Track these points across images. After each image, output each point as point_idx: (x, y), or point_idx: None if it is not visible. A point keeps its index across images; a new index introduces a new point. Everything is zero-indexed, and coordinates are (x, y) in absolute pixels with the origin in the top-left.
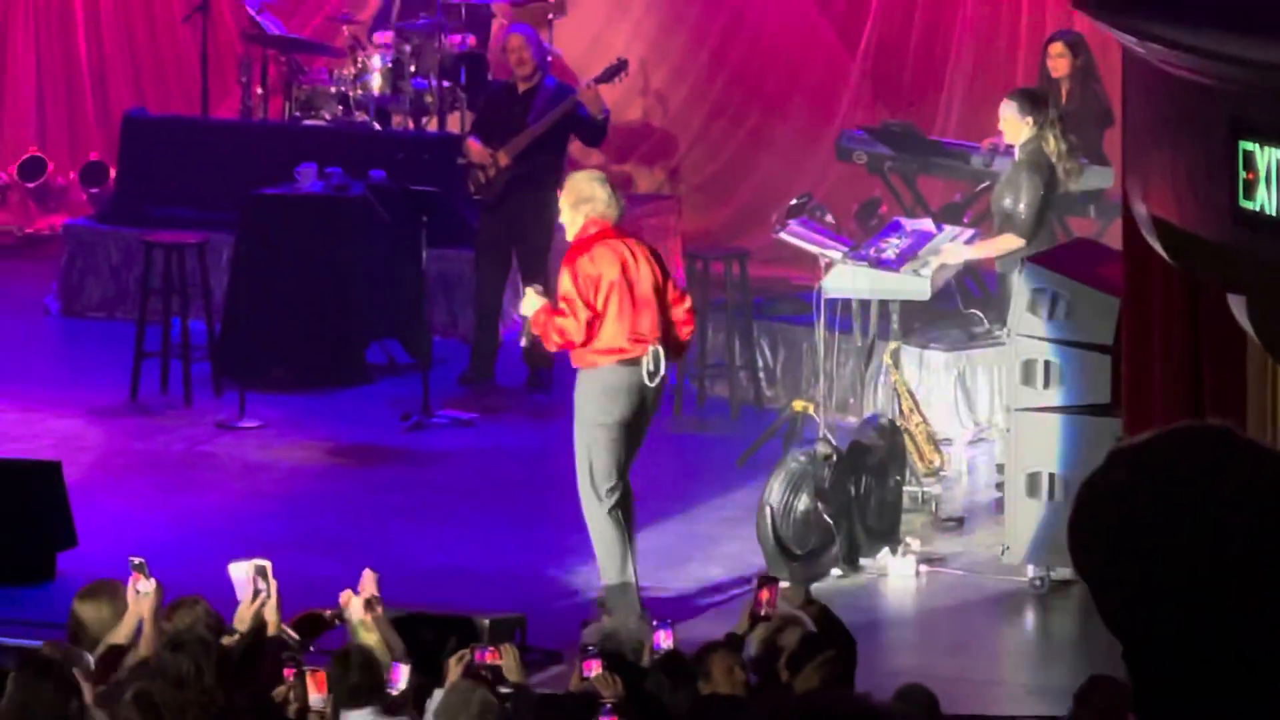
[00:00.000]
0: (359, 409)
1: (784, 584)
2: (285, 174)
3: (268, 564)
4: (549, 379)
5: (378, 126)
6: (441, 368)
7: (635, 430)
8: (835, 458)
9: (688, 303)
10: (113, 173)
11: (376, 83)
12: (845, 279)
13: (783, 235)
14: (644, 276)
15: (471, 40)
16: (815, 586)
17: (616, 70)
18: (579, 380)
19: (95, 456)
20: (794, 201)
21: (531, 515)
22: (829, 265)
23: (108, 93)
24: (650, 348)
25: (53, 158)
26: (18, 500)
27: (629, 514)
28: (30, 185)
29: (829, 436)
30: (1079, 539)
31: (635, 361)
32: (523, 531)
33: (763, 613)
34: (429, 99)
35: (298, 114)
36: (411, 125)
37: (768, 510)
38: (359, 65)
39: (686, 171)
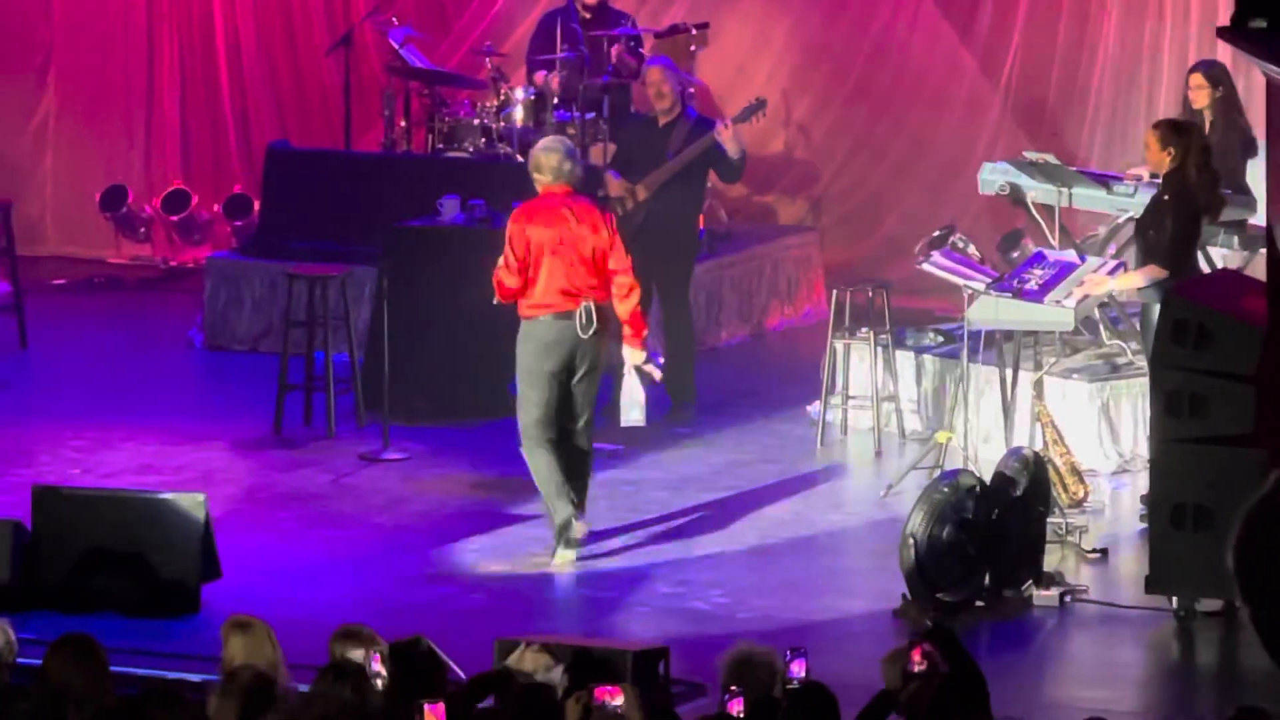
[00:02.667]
0: (501, 441)
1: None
2: (428, 206)
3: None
4: (691, 411)
5: (520, 159)
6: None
7: (569, 379)
8: (979, 489)
9: (626, 277)
10: (256, 205)
11: (519, 115)
12: (989, 310)
13: (926, 266)
14: (584, 238)
15: (633, 60)
16: (959, 617)
17: (755, 109)
18: (520, 331)
19: (239, 489)
20: (937, 233)
21: (674, 546)
22: (972, 296)
23: (251, 126)
24: (583, 303)
25: (196, 191)
26: (162, 533)
27: (577, 457)
28: (174, 218)
29: (973, 468)
30: (1247, 562)
31: (568, 315)
32: (666, 562)
33: (915, 670)
34: (572, 131)
35: (440, 146)
36: None
37: (911, 541)
38: (502, 98)
39: (829, 203)
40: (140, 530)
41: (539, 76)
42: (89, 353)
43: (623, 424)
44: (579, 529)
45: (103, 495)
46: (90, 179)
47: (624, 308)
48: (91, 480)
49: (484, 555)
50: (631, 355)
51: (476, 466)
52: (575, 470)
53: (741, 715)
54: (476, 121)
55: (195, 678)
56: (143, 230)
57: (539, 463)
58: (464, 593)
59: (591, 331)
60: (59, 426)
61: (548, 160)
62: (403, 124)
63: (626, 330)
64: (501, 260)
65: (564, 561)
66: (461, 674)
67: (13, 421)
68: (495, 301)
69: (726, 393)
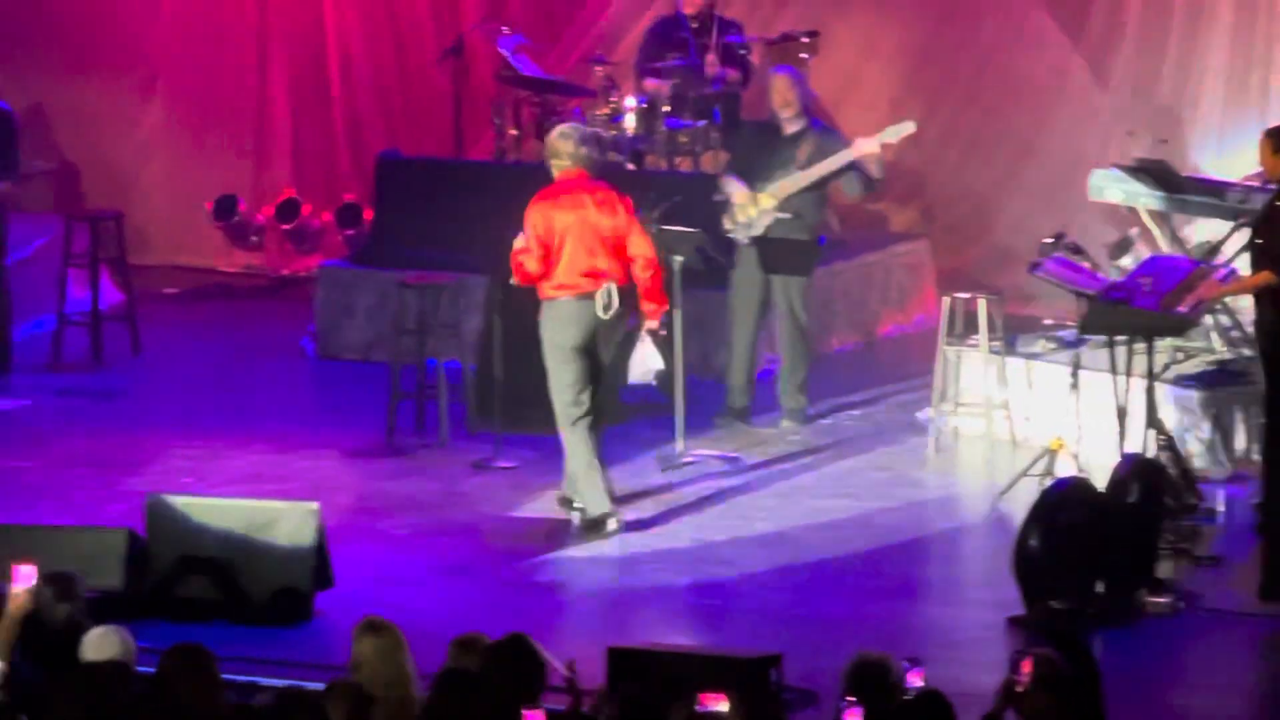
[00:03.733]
0: (613, 449)
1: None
2: None
3: None
4: (804, 417)
5: (631, 167)
6: (695, 407)
7: (592, 356)
8: (1091, 496)
9: (646, 255)
10: (367, 214)
11: (630, 123)
12: (1101, 317)
13: (1037, 273)
14: (603, 222)
15: (734, 73)
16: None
17: (904, 131)
18: (544, 310)
19: (351, 497)
20: (1048, 239)
21: (787, 552)
22: (1084, 303)
23: (362, 135)
24: (604, 284)
25: (308, 200)
26: (275, 541)
27: (595, 430)
28: (286, 227)
29: (1085, 475)
30: None
31: (589, 297)
32: (777, 569)
33: (1019, 689)
34: (684, 139)
35: None
36: (665, 165)
37: (1023, 548)
38: (612, 106)
39: (939, 210)
40: (253, 539)
41: (649, 84)
42: (201, 361)
43: (629, 381)
44: (613, 525)
45: (215, 504)
46: (201, 188)
47: (644, 279)
48: (204, 489)
49: (594, 563)
50: (648, 322)
51: None
52: (595, 432)
53: None
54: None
55: (308, 685)
56: (254, 239)
57: (576, 445)
58: (574, 601)
59: (612, 313)
60: (171, 435)
61: (564, 145)
62: (513, 132)
63: (647, 305)
64: (522, 244)
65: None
66: (565, 672)
67: (125, 430)
68: (512, 282)
69: (838, 400)
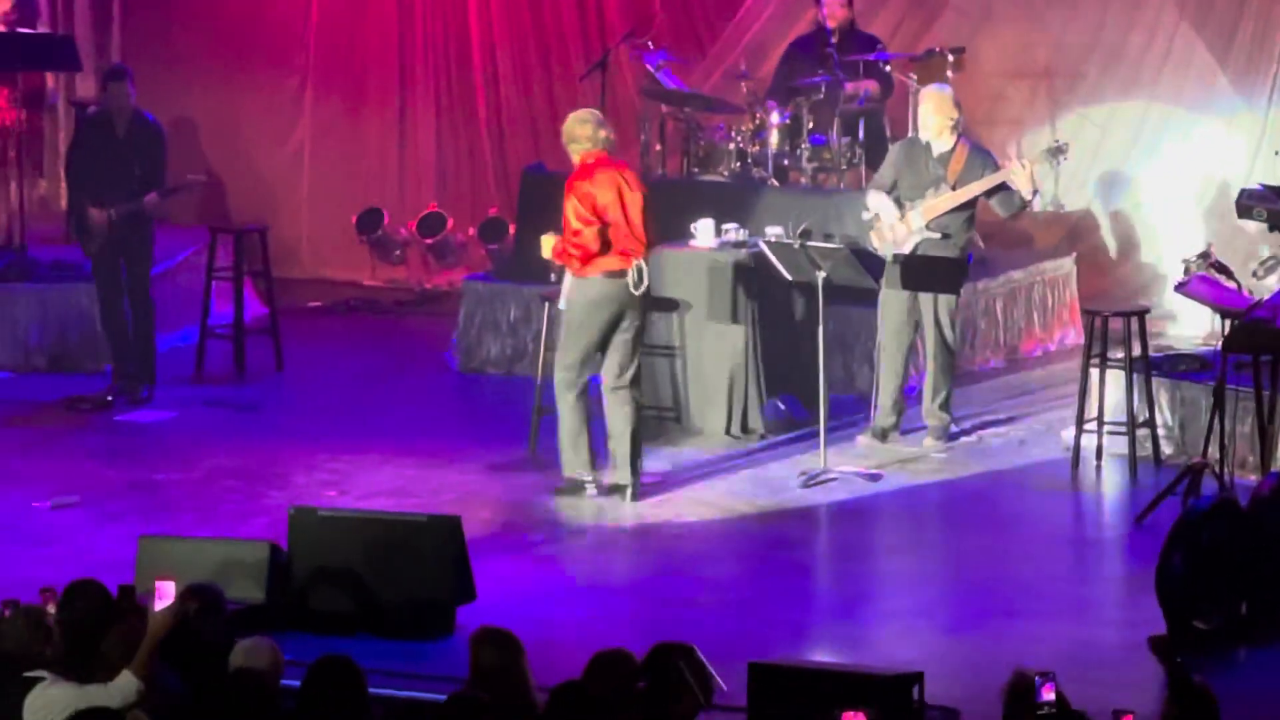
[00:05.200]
0: (755, 466)
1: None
2: (683, 230)
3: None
4: (948, 435)
5: (775, 183)
6: (838, 423)
7: (613, 332)
8: (1235, 515)
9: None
10: (511, 228)
11: (774, 139)
12: (1245, 336)
13: (1182, 292)
14: (633, 201)
15: (875, 88)
16: (1215, 645)
17: (1057, 152)
18: (579, 287)
19: (495, 511)
20: (1192, 258)
21: (924, 569)
22: (1229, 322)
23: (506, 149)
24: (635, 262)
25: (452, 214)
26: (418, 554)
27: (625, 414)
28: (429, 241)
29: (1230, 494)
30: None
31: (621, 274)
32: (921, 586)
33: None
34: (827, 156)
35: (695, 170)
36: (810, 181)
37: (1166, 568)
38: (757, 122)
39: (1084, 229)
40: (395, 552)
41: (793, 101)
42: (344, 374)
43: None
44: (590, 490)
45: (358, 516)
46: (346, 202)
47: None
48: (347, 501)
49: (737, 579)
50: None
51: (730, 490)
52: (621, 429)
53: None
54: (731, 145)
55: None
56: (398, 253)
57: (567, 407)
58: (718, 615)
59: (642, 289)
60: (314, 448)
61: (583, 129)
62: (658, 148)
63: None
64: (574, 226)
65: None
66: (724, 686)
67: (268, 442)
68: (554, 263)
69: (981, 417)
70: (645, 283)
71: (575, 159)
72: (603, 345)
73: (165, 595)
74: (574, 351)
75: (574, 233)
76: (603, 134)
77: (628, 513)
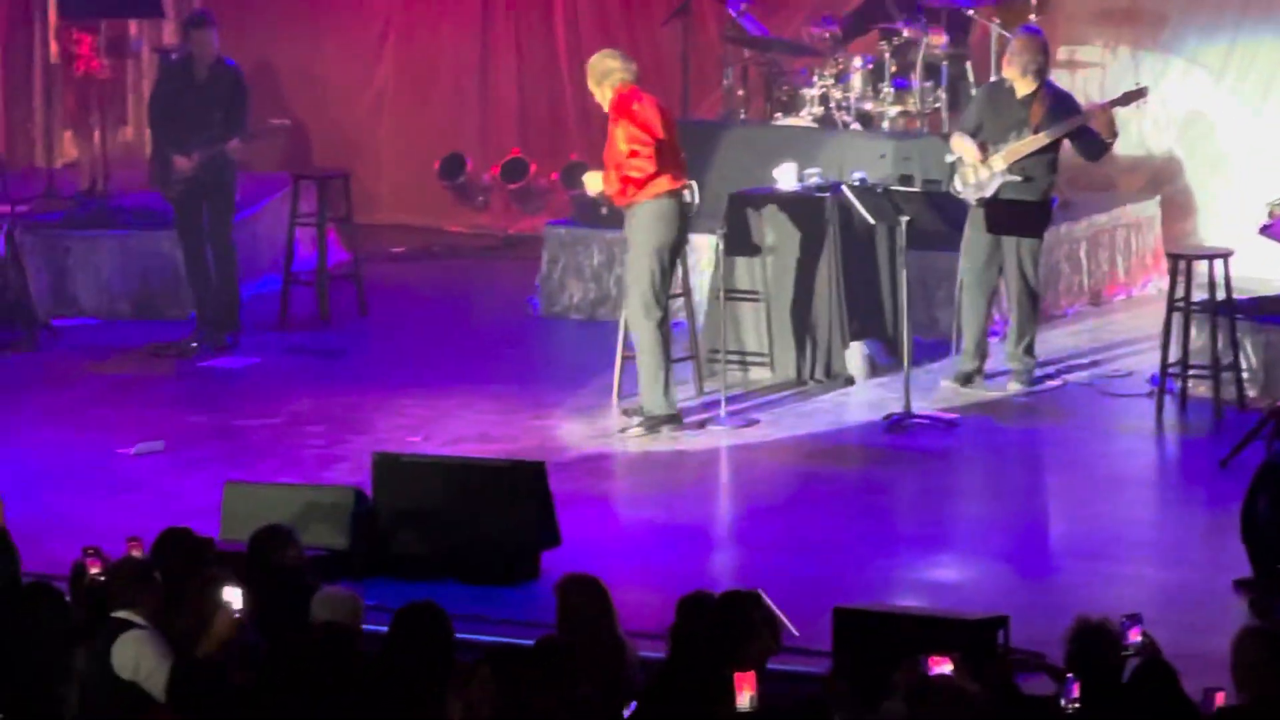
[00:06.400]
0: (839, 410)
1: None
2: (765, 174)
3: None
4: (1031, 379)
5: (858, 127)
6: (922, 369)
7: (677, 253)
8: None
9: None
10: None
11: (857, 83)
12: None
13: (1267, 234)
14: (672, 123)
15: (958, 33)
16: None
17: (1136, 96)
18: (637, 214)
19: (579, 456)
20: (1277, 201)
21: (1006, 514)
22: None
23: (588, 93)
24: (688, 181)
25: (534, 159)
26: (502, 500)
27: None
28: (512, 187)
29: None
30: None
31: (678, 193)
32: (1005, 530)
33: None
34: (910, 99)
35: (778, 114)
36: (892, 125)
37: (1251, 512)
38: (839, 66)
39: (1168, 171)
40: (480, 498)
41: (876, 45)
42: (426, 321)
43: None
44: (673, 429)
45: (442, 463)
46: (428, 148)
47: None
48: (431, 448)
49: (821, 523)
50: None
51: (814, 434)
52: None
53: (1077, 702)
54: (814, 90)
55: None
56: (480, 199)
57: (653, 344)
58: (799, 560)
59: (695, 207)
60: (398, 394)
61: (614, 62)
62: (740, 92)
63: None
64: (631, 148)
65: (636, 439)
66: (795, 630)
67: (352, 389)
68: (605, 197)
69: (1065, 362)
70: (697, 200)
71: (609, 94)
72: (673, 268)
73: (232, 600)
74: (645, 278)
75: (631, 154)
76: (632, 65)
77: (711, 457)
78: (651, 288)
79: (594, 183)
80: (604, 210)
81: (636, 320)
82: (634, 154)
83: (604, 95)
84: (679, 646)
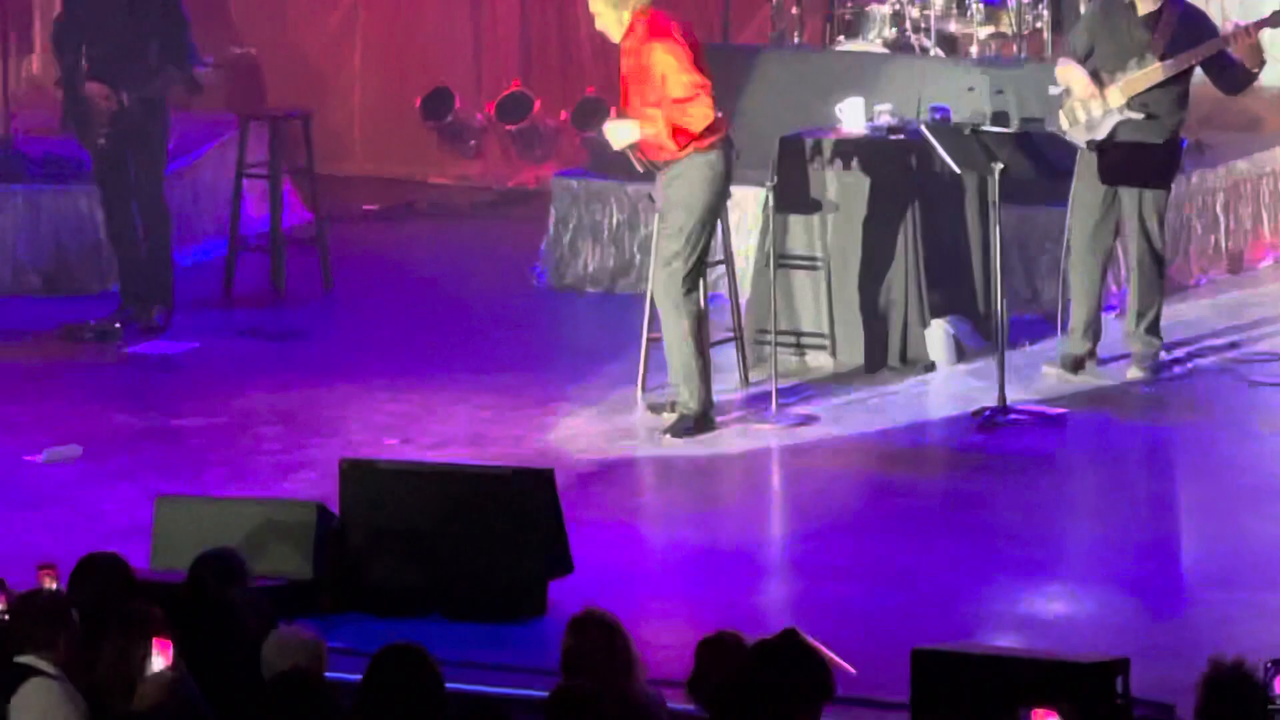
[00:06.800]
0: (916, 403)
1: None
2: (825, 112)
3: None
4: (1157, 364)
5: (940, 53)
6: (1020, 352)
7: (719, 213)
8: None
9: None
10: (613, 111)
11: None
12: None
13: None
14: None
15: None
16: None
17: None
18: (685, 172)
19: (596, 462)
20: None
21: (1133, 532)
22: None
23: None
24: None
25: (539, 94)
26: (501, 517)
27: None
28: (512, 128)
29: None
30: None
31: (729, 140)
32: (1121, 552)
33: None
34: (1006, 19)
35: (840, 38)
36: (982, 50)
37: None
38: None
39: None
40: (473, 514)
41: None
42: (407, 295)
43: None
44: (712, 428)
45: (427, 470)
46: (408, 81)
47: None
48: (412, 452)
49: (895, 544)
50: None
51: (886, 434)
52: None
53: None
54: (885, 8)
55: (542, 694)
56: (473, 144)
57: (690, 328)
58: (872, 591)
59: (737, 156)
60: (371, 386)
61: None
62: (794, 10)
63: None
64: (683, 93)
65: (666, 441)
66: (851, 669)
67: (315, 380)
68: (638, 153)
69: (1199, 344)
70: (736, 150)
71: (626, 18)
72: (712, 231)
73: (162, 654)
74: (688, 249)
75: (689, 99)
76: None
77: (759, 463)
78: (694, 258)
79: (624, 132)
80: (640, 167)
81: (671, 296)
82: (692, 98)
83: (618, 20)
84: (702, 703)
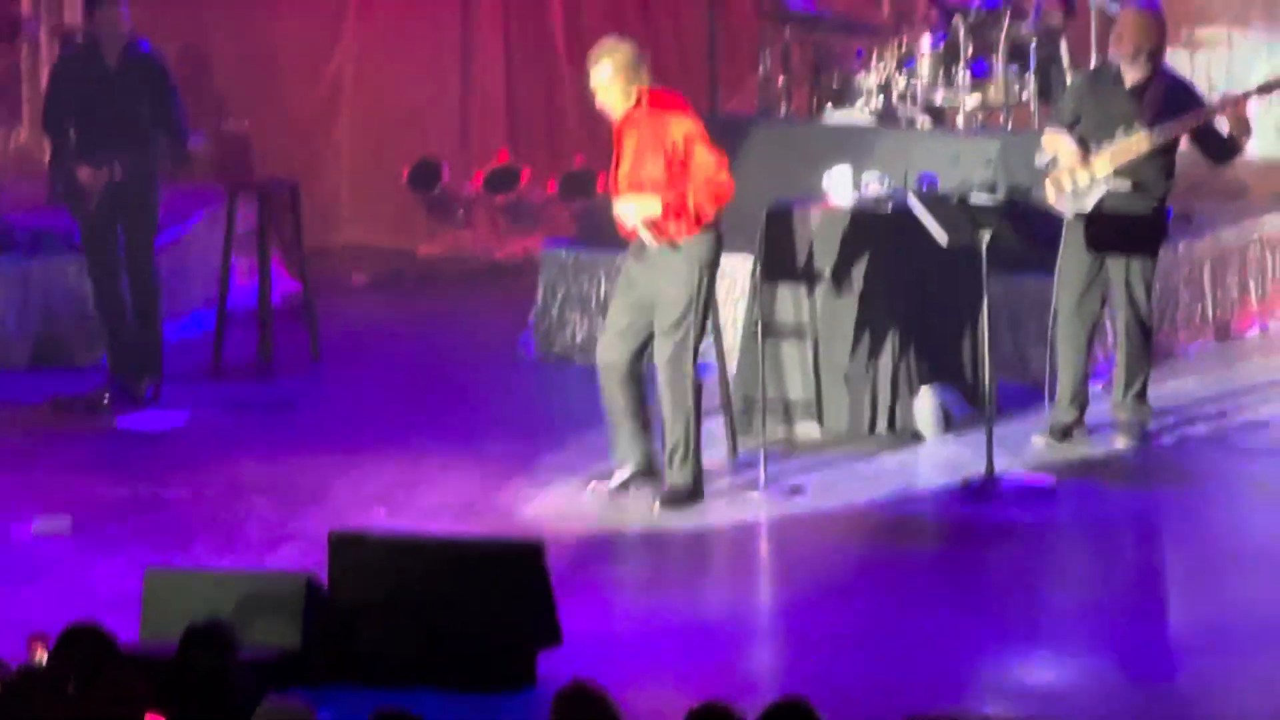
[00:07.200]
0: (905, 472)
1: None
2: (812, 182)
3: None
4: (1144, 433)
5: (927, 123)
6: (1008, 421)
7: None
8: None
9: None
10: (600, 182)
11: (925, 70)
12: None
13: None
14: None
15: (1055, 6)
16: None
17: (1277, 85)
18: (694, 247)
19: (584, 533)
20: None
21: (1125, 601)
22: None
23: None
24: None
25: (527, 162)
26: (490, 588)
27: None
28: (500, 199)
29: None
30: None
31: (719, 223)
32: (1114, 622)
33: None
34: (991, 89)
35: (827, 107)
36: (969, 121)
37: None
38: (904, 49)
39: None
40: (462, 585)
41: (951, 22)
42: (395, 365)
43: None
44: (700, 500)
45: (414, 543)
46: (396, 151)
47: None
48: (401, 523)
49: (884, 615)
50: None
51: (875, 504)
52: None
53: None
54: (872, 77)
55: None
56: (461, 214)
57: (687, 391)
58: (862, 660)
59: None
60: (359, 457)
61: (642, 60)
62: (781, 80)
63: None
64: (712, 170)
65: (656, 511)
66: None
67: (304, 451)
68: (656, 230)
69: (1186, 412)
70: None
71: (629, 102)
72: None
73: None
74: (697, 325)
75: (716, 171)
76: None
77: (748, 533)
78: (698, 331)
79: (645, 207)
80: (652, 244)
81: (680, 368)
82: (723, 166)
83: (626, 94)
84: None
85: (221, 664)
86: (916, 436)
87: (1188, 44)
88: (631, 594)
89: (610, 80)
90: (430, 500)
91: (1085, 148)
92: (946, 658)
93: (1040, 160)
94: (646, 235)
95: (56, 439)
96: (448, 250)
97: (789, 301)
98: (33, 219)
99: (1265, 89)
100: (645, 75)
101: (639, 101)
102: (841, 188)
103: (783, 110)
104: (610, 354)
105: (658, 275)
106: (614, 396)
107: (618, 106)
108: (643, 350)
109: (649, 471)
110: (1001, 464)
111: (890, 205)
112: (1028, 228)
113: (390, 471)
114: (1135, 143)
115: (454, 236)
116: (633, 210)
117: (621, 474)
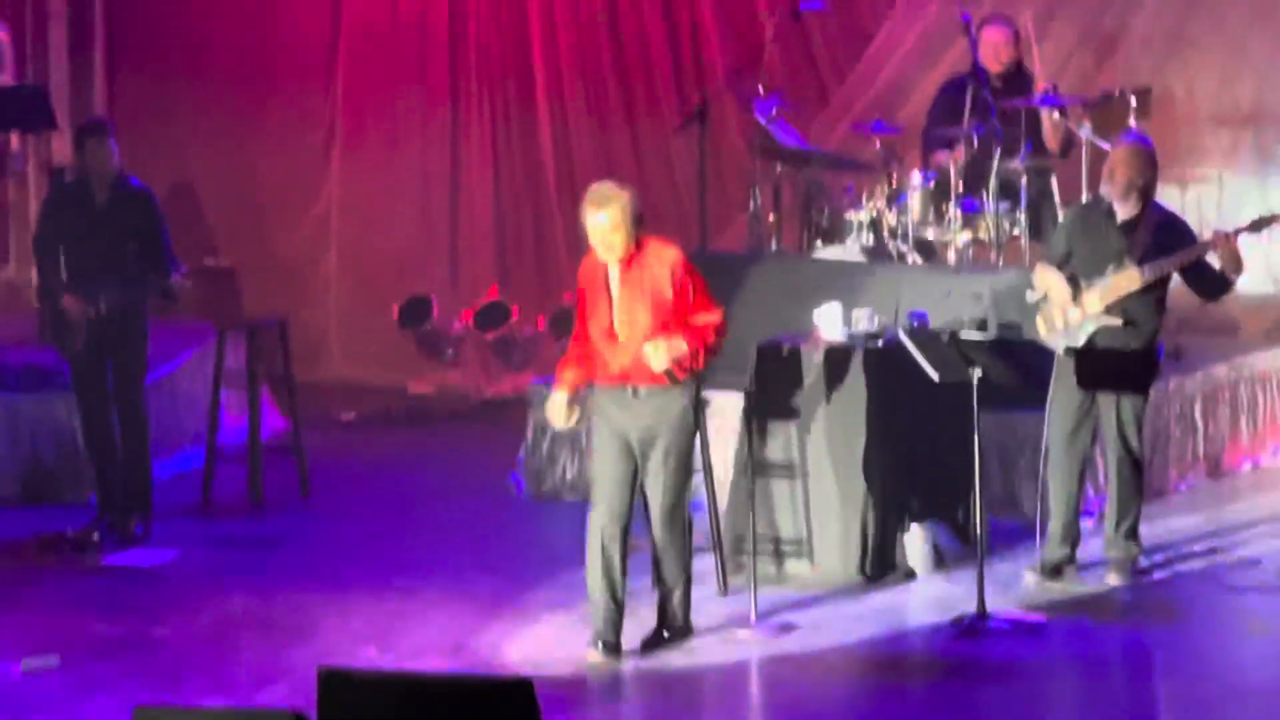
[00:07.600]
0: (896, 610)
1: None
2: (803, 318)
3: None
4: (1135, 571)
5: (918, 260)
6: (999, 558)
7: None
8: None
9: None
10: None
11: (915, 205)
12: None
13: None
14: None
15: (1049, 143)
16: None
17: (1267, 222)
18: (689, 385)
19: (576, 673)
20: None
21: None
22: None
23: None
24: None
25: (516, 298)
26: None
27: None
28: (490, 337)
29: None
30: None
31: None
32: None
33: None
34: (982, 225)
35: (818, 243)
36: (960, 257)
37: None
38: (894, 185)
39: None
40: None
41: (939, 157)
42: (384, 503)
43: None
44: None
45: (405, 680)
46: (384, 287)
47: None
48: (391, 661)
49: None
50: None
51: (867, 642)
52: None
53: None
54: (862, 214)
55: None
56: (450, 352)
57: (686, 535)
58: None
59: None
60: (348, 594)
61: (638, 206)
62: (771, 218)
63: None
64: (717, 317)
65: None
66: None
67: (293, 588)
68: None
69: (1177, 548)
70: None
71: (627, 246)
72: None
73: None
74: (688, 478)
75: (716, 315)
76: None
77: (739, 672)
78: (687, 485)
79: (662, 354)
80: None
81: (682, 508)
82: (720, 311)
83: (631, 239)
84: None
85: None
86: (908, 574)
87: (1180, 180)
88: None
89: (619, 224)
90: (420, 638)
91: (1076, 284)
92: None
93: (1031, 297)
94: (674, 375)
95: (45, 576)
96: (437, 387)
97: (779, 439)
98: (22, 355)
99: (1256, 226)
100: (644, 221)
101: (641, 246)
102: (832, 325)
103: (773, 246)
104: (616, 504)
105: (648, 416)
106: (611, 561)
107: (623, 248)
108: (634, 499)
109: (618, 644)
110: (993, 602)
111: (881, 342)
112: (1019, 364)
113: (380, 609)
114: (1126, 279)
115: (444, 373)
116: (665, 354)
117: (602, 650)
